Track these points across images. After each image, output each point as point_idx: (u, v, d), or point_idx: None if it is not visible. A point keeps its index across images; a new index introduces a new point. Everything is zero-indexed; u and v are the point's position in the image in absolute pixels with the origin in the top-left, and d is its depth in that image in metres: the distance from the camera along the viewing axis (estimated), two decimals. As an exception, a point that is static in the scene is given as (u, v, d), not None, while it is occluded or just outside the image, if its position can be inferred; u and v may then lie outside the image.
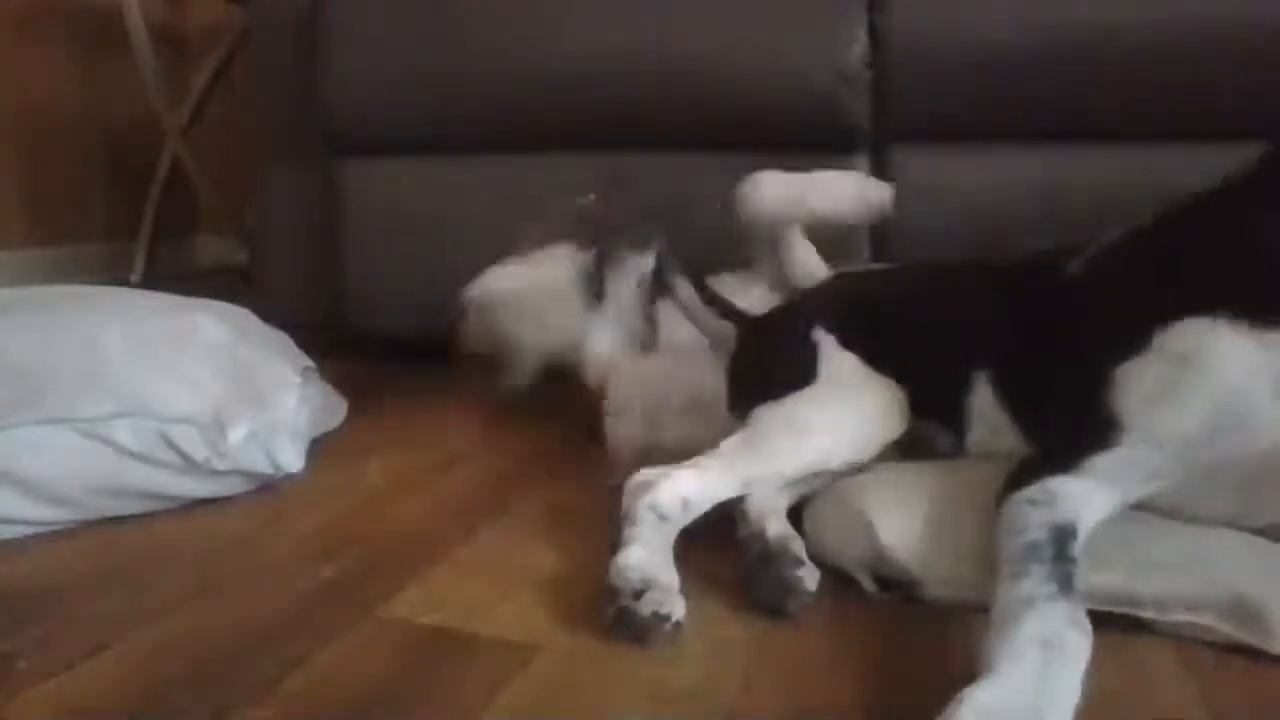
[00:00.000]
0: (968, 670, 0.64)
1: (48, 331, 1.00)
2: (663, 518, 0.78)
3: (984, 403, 0.85)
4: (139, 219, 2.83)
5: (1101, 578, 0.70)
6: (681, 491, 0.79)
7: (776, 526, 0.81)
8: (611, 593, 0.72)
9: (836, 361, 0.91)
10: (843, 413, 0.86)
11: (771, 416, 0.87)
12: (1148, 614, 0.70)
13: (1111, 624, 0.71)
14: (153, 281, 2.64)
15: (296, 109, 1.65)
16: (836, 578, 0.79)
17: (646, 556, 0.75)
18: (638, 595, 0.71)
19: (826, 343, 0.93)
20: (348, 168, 1.62)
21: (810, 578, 0.77)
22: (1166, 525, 0.75)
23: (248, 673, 0.67)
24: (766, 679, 0.66)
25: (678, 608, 0.72)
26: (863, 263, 1.41)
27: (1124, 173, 1.35)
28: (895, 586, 0.77)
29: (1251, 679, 0.65)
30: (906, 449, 0.89)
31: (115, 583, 0.82)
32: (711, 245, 1.45)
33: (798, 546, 0.79)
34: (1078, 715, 0.52)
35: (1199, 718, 0.61)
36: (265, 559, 0.87)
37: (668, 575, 0.74)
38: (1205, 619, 0.69)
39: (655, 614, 0.71)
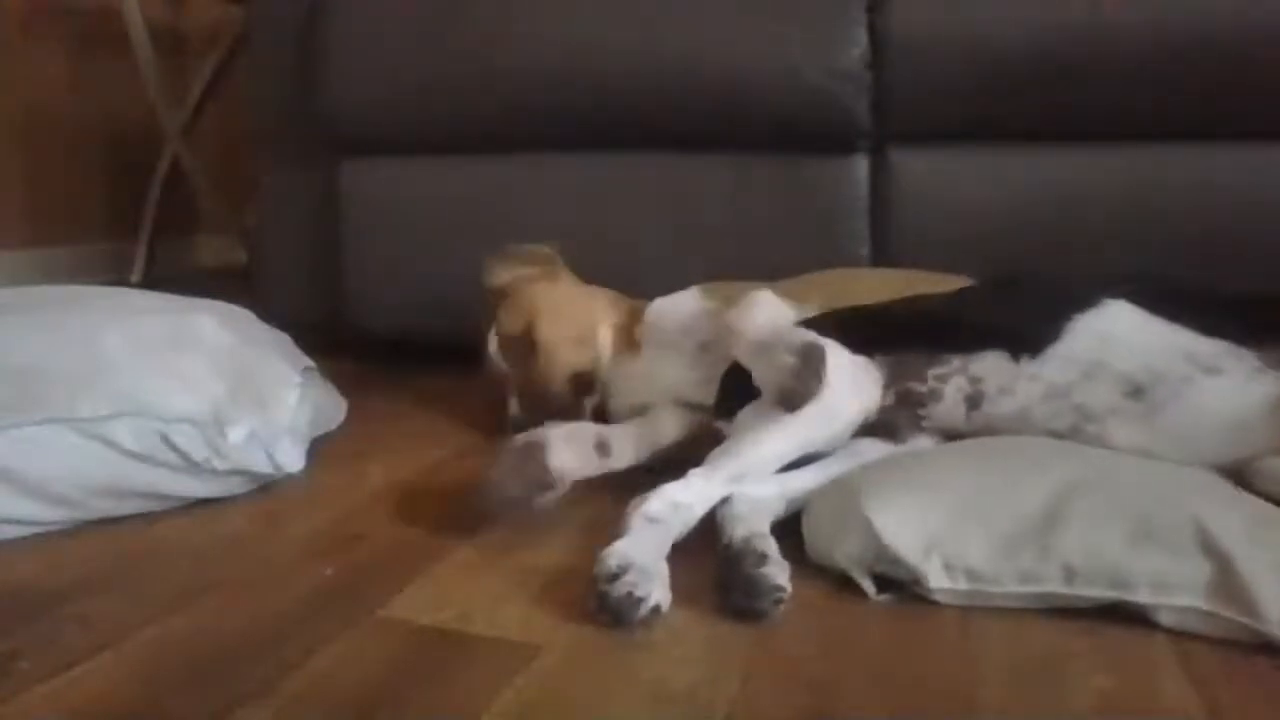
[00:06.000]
0: (967, 669, 0.64)
1: (48, 331, 1.00)
2: (652, 520, 0.79)
3: None
4: (139, 219, 2.83)
5: (1097, 544, 0.72)
6: (670, 497, 0.81)
7: (743, 530, 0.79)
8: (592, 580, 0.73)
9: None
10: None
11: (752, 409, 0.90)
12: (1142, 598, 0.71)
13: (1111, 623, 0.71)
14: (153, 281, 2.64)
15: (296, 109, 1.65)
16: (836, 578, 0.79)
17: (629, 545, 0.75)
18: (613, 578, 0.72)
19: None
20: (348, 168, 1.62)
21: (779, 573, 0.75)
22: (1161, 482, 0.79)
23: (248, 673, 0.67)
24: (766, 679, 0.66)
25: (656, 591, 0.72)
26: (865, 263, 1.41)
27: (1123, 173, 1.35)
28: (894, 586, 0.77)
29: (1251, 679, 0.65)
30: (882, 431, 0.93)
31: (115, 583, 0.82)
32: (714, 246, 1.47)
33: (764, 545, 0.77)
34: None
35: (1199, 717, 0.61)
36: (265, 559, 0.87)
37: (650, 562, 0.74)
38: (1196, 601, 0.69)
39: (630, 595, 0.71)
